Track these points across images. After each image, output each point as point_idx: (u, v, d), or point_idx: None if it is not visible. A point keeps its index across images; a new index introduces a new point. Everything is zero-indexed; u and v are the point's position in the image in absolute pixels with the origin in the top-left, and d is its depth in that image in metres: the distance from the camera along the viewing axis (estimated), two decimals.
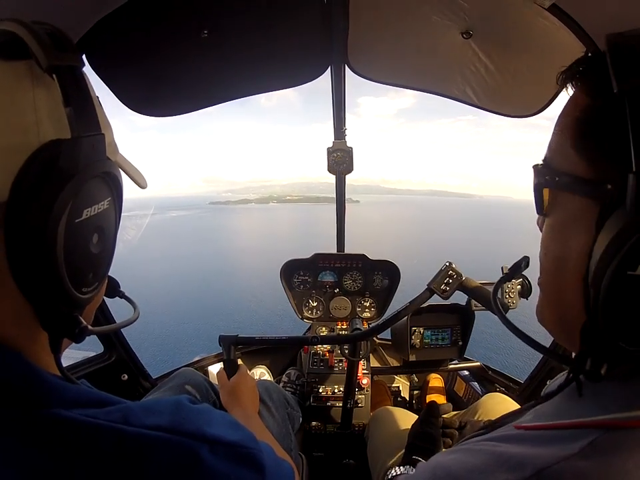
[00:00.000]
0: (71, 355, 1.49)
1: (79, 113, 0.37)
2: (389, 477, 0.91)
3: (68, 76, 0.37)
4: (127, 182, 0.53)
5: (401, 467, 0.89)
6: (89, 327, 0.41)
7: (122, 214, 0.47)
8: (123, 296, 0.62)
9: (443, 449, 1.10)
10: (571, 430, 0.37)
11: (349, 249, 2.08)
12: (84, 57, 0.96)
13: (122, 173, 0.48)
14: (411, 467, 0.88)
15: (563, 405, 0.42)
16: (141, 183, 0.55)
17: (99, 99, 0.46)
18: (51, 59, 0.35)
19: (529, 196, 0.43)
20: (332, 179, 1.78)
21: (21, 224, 0.34)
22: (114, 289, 0.60)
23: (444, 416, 1.09)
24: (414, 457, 0.89)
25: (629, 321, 0.34)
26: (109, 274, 0.50)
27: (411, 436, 0.98)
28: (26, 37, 0.35)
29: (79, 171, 0.36)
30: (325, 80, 1.39)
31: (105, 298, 0.58)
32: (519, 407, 0.76)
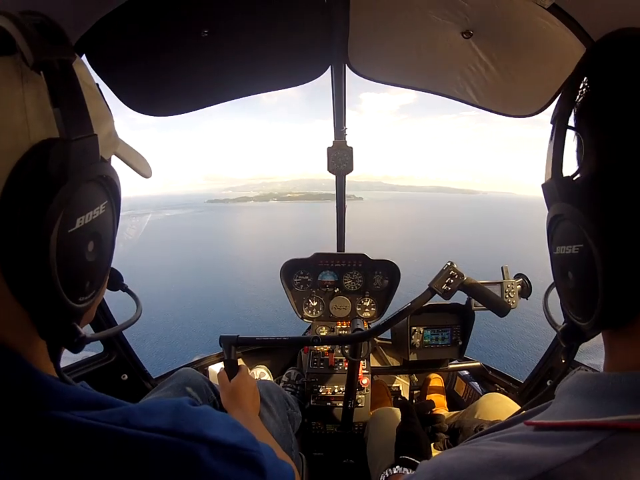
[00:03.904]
0: (71, 355, 1.48)
1: (68, 114, 0.34)
2: (383, 479, 0.92)
3: (56, 72, 0.34)
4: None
5: (393, 469, 0.90)
6: (87, 336, 0.39)
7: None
8: (125, 289, 0.60)
9: (432, 443, 1.11)
10: (580, 430, 0.36)
11: (349, 246, 2.07)
12: (84, 57, 0.95)
13: (122, 167, 0.46)
14: (402, 468, 0.89)
15: (574, 404, 0.41)
16: (144, 172, 0.53)
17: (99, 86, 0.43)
18: (37, 54, 0.32)
19: (530, 192, 0.44)
20: (334, 176, 1.78)
21: (13, 236, 0.32)
22: (116, 282, 0.58)
23: (433, 411, 1.09)
24: (401, 456, 0.91)
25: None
26: (112, 266, 0.49)
27: (397, 437, 1.00)
28: (12, 30, 0.32)
29: (68, 178, 0.34)
30: (328, 77, 1.38)
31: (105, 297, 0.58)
32: (518, 406, 0.76)
